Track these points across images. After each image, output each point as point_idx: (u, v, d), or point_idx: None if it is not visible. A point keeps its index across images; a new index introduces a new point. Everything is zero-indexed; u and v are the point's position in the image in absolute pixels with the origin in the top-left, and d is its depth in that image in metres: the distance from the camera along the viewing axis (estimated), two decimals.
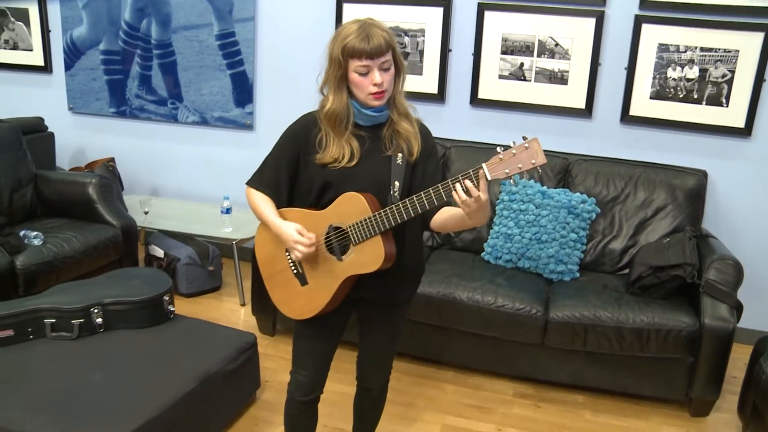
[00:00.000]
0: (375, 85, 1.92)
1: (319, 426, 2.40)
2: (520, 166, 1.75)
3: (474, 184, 1.77)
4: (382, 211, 1.92)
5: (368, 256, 1.96)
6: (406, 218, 1.90)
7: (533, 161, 1.74)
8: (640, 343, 3.00)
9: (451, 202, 1.86)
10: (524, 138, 1.76)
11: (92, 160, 4.71)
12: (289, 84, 4.32)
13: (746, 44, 3.47)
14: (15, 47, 4.87)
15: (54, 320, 2.72)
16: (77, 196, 3.87)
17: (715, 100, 3.58)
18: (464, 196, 1.78)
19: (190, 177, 4.72)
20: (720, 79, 3.55)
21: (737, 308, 3.00)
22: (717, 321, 2.93)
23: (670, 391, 3.09)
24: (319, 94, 2.05)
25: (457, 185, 1.79)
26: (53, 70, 4.84)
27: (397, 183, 2.00)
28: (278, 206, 2.09)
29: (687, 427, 3.05)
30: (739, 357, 3.44)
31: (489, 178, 1.77)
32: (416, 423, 2.97)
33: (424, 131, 2.11)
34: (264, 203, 2.09)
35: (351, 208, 1.96)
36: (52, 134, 4.50)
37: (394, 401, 3.05)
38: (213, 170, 4.64)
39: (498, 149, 1.77)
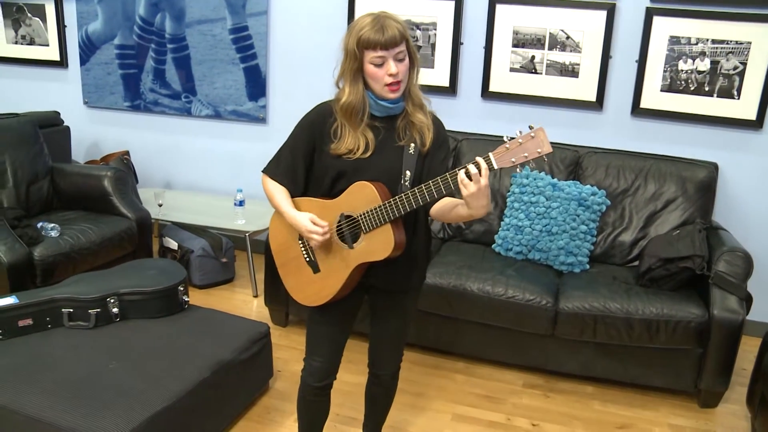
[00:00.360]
0: (390, 75, 1.96)
1: (331, 415, 2.44)
2: (526, 155, 1.78)
3: (478, 171, 1.80)
4: (392, 199, 1.95)
5: (378, 244, 2.00)
6: (415, 207, 1.94)
7: (539, 150, 1.77)
8: (649, 334, 3.01)
9: (458, 192, 1.88)
10: (530, 127, 1.79)
11: (107, 154, 4.77)
12: (302, 77, 4.35)
13: (759, 36, 3.46)
14: (32, 42, 4.93)
15: (71, 310, 2.78)
16: (93, 188, 3.93)
17: (727, 93, 3.58)
18: (465, 177, 1.80)
19: (204, 170, 4.77)
20: (731, 72, 3.55)
21: (747, 300, 3.01)
22: (726, 312, 2.94)
23: (679, 382, 3.11)
24: (335, 88, 2.09)
25: (462, 171, 1.82)
26: (69, 65, 4.90)
27: (408, 173, 2.03)
28: (294, 194, 2.13)
29: (695, 417, 3.06)
30: (750, 349, 3.44)
31: (495, 167, 1.80)
32: (427, 412, 3.00)
33: (437, 122, 2.14)
34: (279, 193, 2.13)
35: (362, 197, 2.00)
36: (67, 128, 4.56)
37: (406, 390, 3.09)
38: (226, 163, 4.69)
39: (505, 138, 1.80)
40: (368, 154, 2.02)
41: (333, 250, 2.09)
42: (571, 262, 3.42)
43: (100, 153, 4.90)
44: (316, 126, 2.09)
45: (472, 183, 1.80)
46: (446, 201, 2.00)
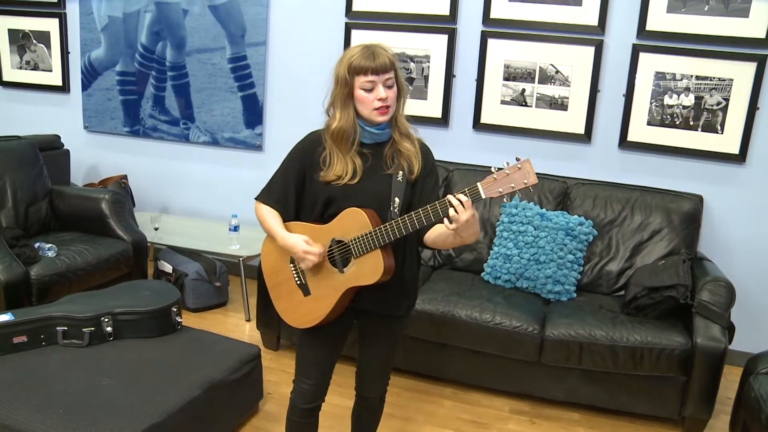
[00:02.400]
0: (379, 100, 2.04)
1: None
2: (512, 185, 1.85)
3: (467, 201, 1.87)
4: (382, 226, 2.01)
5: (368, 269, 2.05)
6: (404, 233, 2.00)
7: (525, 181, 1.84)
8: (633, 361, 3.07)
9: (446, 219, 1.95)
10: (517, 159, 1.86)
11: (105, 177, 4.85)
12: (298, 107, 4.45)
13: (740, 73, 3.58)
14: (35, 68, 5.04)
15: (66, 328, 2.82)
16: (90, 211, 4.00)
17: (711, 127, 3.68)
18: (454, 213, 1.86)
19: (200, 195, 4.84)
20: (715, 107, 3.65)
21: (729, 329, 3.07)
22: (709, 341, 3.00)
23: (664, 410, 3.15)
24: (325, 116, 2.17)
25: (453, 201, 1.89)
26: (71, 90, 5.01)
27: (397, 199, 2.10)
28: (285, 220, 2.19)
29: None
30: (734, 379, 3.46)
31: (483, 196, 1.87)
32: None
33: (424, 150, 2.21)
34: (272, 217, 2.19)
35: (353, 222, 2.06)
36: (67, 151, 4.65)
37: (393, 415, 3.13)
38: (222, 189, 4.77)
39: (492, 169, 1.87)
40: (356, 180, 2.09)
41: (323, 274, 2.15)
42: (559, 291, 3.48)
43: (98, 176, 4.98)
44: (306, 154, 2.16)
45: (459, 216, 1.86)
46: (441, 229, 2.04)
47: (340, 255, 2.10)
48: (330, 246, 2.11)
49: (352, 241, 2.06)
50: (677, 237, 3.58)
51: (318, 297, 2.16)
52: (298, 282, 2.20)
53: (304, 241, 2.09)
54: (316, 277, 2.16)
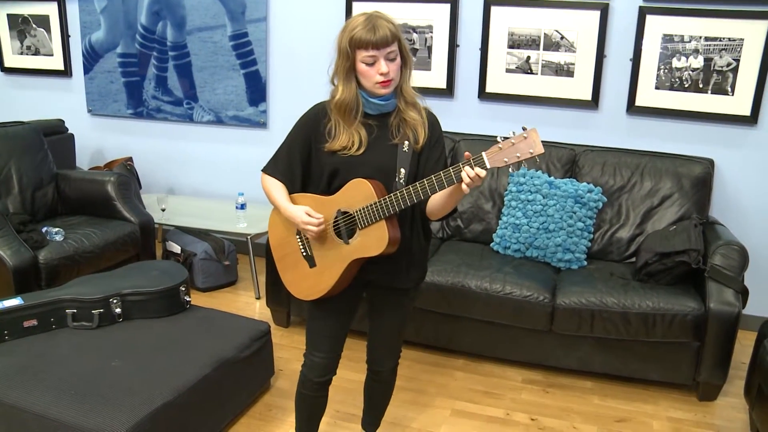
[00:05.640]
0: (381, 74, 2.00)
1: (331, 411, 2.48)
2: (518, 155, 1.81)
3: (473, 171, 1.84)
4: (387, 196, 1.99)
5: (373, 240, 2.04)
6: (409, 204, 1.97)
7: (531, 151, 1.80)
8: (646, 328, 3.04)
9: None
10: (523, 128, 1.82)
11: (111, 160, 4.84)
12: (301, 82, 4.41)
13: (751, 32, 3.49)
14: (36, 53, 5.01)
15: (75, 310, 2.83)
16: (97, 194, 3.99)
17: (721, 89, 3.61)
18: (468, 180, 1.85)
19: (206, 175, 4.83)
20: (725, 68, 3.58)
21: (743, 293, 3.03)
22: (722, 305, 2.96)
23: (678, 376, 3.12)
24: (330, 85, 2.13)
25: (465, 179, 1.86)
26: (73, 74, 4.98)
27: (402, 170, 2.07)
28: (291, 192, 2.18)
29: (694, 411, 3.08)
30: (749, 344, 3.44)
31: (488, 167, 1.84)
32: (427, 408, 3.03)
33: (431, 119, 2.17)
34: (277, 189, 2.17)
35: (358, 193, 2.04)
36: (72, 135, 4.64)
37: (405, 387, 3.13)
38: (228, 168, 4.75)
39: (498, 138, 1.84)
40: (361, 151, 2.06)
41: (329, 246, 2.13)
42: (569, 259, 3.45)
43: (103, 159, 4.97)
44: (311, 125, 2.14)
45: (473, 183, 1.86)
46: (437, 197, 2.03)
47: (345, 226, 2.08)
48: (335, 217, 2.10)
49: (357, 212, 2.04)
50: (688, 201, 3.53)
51: (324, 268, 2.15)
52: (304, 253, 2.19)
53: (305, 213, 2.08)
54: (322, 248, 2.15)
